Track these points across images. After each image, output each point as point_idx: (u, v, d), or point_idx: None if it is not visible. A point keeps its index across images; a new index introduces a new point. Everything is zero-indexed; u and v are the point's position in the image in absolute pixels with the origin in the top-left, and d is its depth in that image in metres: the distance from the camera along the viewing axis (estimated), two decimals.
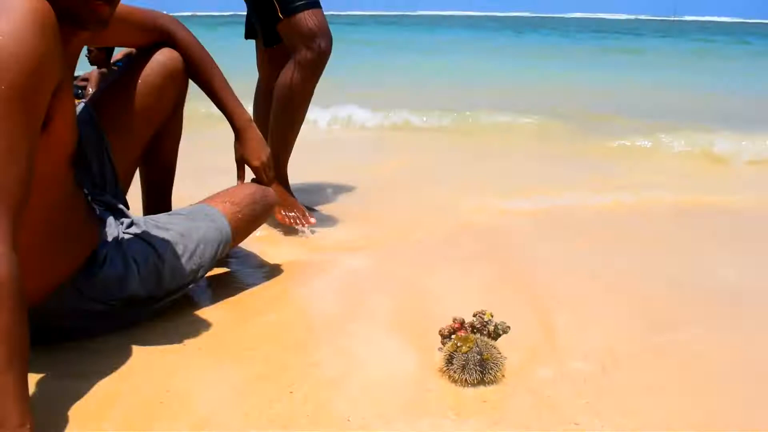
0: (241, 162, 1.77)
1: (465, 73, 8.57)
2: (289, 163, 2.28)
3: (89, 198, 1.41)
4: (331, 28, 2.09)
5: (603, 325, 1.51)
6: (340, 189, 2.76)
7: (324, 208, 2.46)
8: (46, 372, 1.24)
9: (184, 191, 1.86)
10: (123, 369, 1.28)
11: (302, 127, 2.22)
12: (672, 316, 1.58)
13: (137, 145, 1.64)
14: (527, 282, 1.78)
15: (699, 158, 3.54)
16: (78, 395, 1.17)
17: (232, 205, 1.65)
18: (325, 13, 2.08)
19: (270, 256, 1.95)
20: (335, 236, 2.17)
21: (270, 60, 2.32)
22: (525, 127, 4.32)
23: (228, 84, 1.68)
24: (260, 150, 1.73)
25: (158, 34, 1.60)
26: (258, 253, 1.96)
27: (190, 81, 1.68)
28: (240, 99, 1.71)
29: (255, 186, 1.75)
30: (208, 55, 1.66)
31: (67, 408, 1.13)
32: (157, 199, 1.80)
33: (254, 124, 1.74)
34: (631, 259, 2.00)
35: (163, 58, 1.59)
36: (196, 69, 1.64)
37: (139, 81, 1.57)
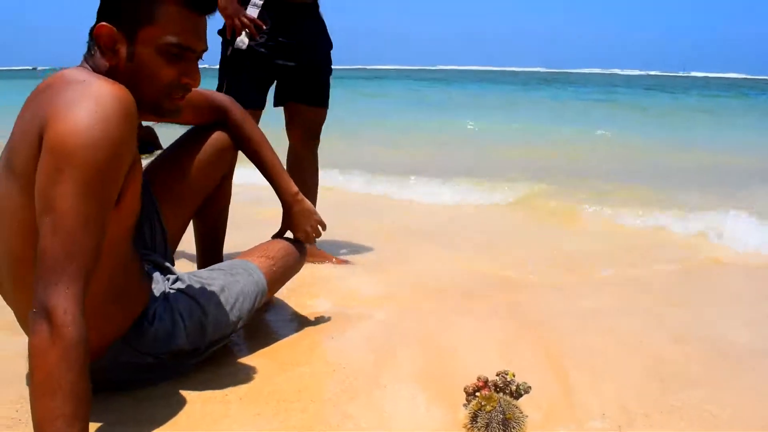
0: (284, 230, 1.88)
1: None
2: None
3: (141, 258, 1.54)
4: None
5: (618, 383, 1.59)
6: (360, 243, 2.88)
7: (350, 259, 2.59)
8: (100, 421, 1.35)
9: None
10: (170, 418, 1.39)
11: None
12: (684, 374, 1.65)
13: (186, 212, 1.78)
14: (544, 338, 1.87)
15: None
16: None
17: (268, 259, 1.77)
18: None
19: (302, 307, 2.06)
20: (362, 288, 2.28)
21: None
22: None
23: (277, 159, 1.80)
24: (305, 222, 1.84)
25: (214, 114, 1.74)
26: (290, 303, 2.07)
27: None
28: None
29: (289, 241, 1.87)
30: (260, 132, 1.79)
31: None
32: (209, 254, 1.93)
33: (301, 197, 1.83)
34: (643, 315, 2.08)
35: (215, 137, 1.73)
36: (247, 145, 1.77)
37: (191, 157, 1.71)
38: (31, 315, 1.05)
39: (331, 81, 2.56)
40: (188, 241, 1.92)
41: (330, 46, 2.55)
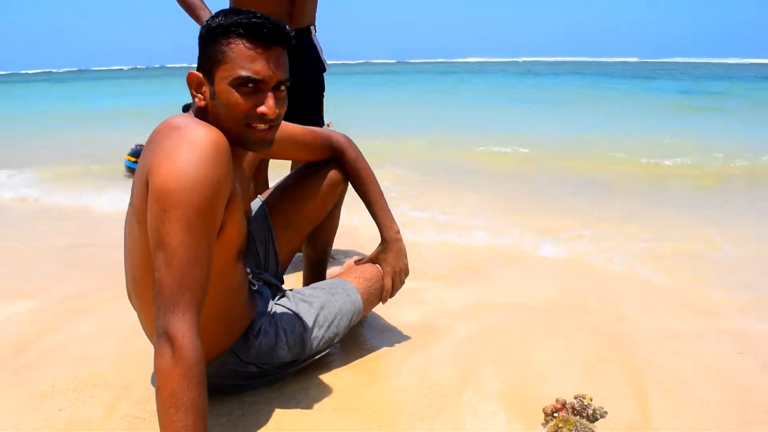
0: (375, 261, 1.95)
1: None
2: None
3: (251, 276, 1.70)
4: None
5: (699, 411, 1.62)
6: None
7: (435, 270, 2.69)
8: (213, 424, 1.53)
9: None
10: (273, 425, 1.55)
11: None
12: (766, 406, 1.66)
13: (298, 237, 1.94)
14: (628, 359, 1.90)
15: None
16: None
17: (365, 280, 1.90)
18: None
19: (390, 317, 2.19)
20: (448, 300, 2.39)
21: None
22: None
23: (383, 197, 1.91)
24: (398, 262, 1.93)
25: (331, 152, 1.88)
26: (381, 315, 2.20)
27: None
28: None
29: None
30: (370, 170, 1.91)
31: None
32: (315, 274, 2.09)
33: (400, 237, 1.93)
34: (729, 343, 2.07)
35: (330, 170, 1.87)
36: (357, 182, 1.89)
37: (307, 189, 1.87)
38: (155, 340, 1.22)
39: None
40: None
41: (323, 69, 2.83)
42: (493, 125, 9.54)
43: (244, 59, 1.35)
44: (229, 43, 1.35)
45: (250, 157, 1.72)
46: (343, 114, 7.78)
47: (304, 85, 2.70)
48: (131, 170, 5.40)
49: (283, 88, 1.41)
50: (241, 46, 1.35)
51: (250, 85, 1.36)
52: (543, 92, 18.49)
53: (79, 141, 8.55)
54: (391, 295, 1.96)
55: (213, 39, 1.37)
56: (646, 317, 2.28)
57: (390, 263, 1.92)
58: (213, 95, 1.38)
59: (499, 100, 16.01)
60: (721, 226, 3.57)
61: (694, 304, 2.42)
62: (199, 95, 1.41)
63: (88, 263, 2.96)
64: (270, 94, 1.38)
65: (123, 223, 1.47)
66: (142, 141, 5.62)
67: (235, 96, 1.36)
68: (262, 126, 1.41)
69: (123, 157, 5.67)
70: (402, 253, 1.94)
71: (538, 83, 24.24)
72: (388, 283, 1.92)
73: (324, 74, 2.89)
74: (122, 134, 7.64)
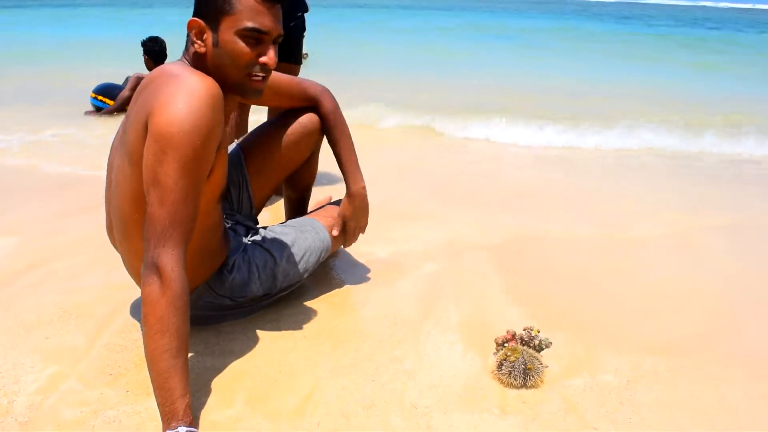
0: (339, 213, 2.02)
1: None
2: None
3: (224, 217, 1.80)
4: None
5: (635, 346, 1.78)
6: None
7: (403, 208, 2.81)
8: (192, 352, 1.65)
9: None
10: (246, 352, 1.68)
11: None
12: (691, 343, 1.82)
13: (272, 182, 2.02)
14: (576, 299, 2.06)
15: None
16: (216, 370, 1.58)
17: (333, 218, 2.01)
18: None
19: (361, 254, 2.31)
20: (413, 239, 2.52)
21: None
22: None
23: (353, 151, 1.97)
24: (361, 216, 2.01)
25: (307, 102, 1.94)
26: (350, 252, 2.32)
27: None
28: None
29: None
30: (344, 123, 1.97)
31: (209, 381, 1.54)
32: (295, 215, 2.17)
33: (365, 192, 1.99)
34: (674, 278, 2.23)
35: (305, 120, 1.95)
36: (330, 133, 1.96)
37: (283, 136, 1.94)
38: (144, 270, 1.32)
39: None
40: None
41: (306, 9, 3.01)
42: None
43: (253, 12, 1.44)
44: None
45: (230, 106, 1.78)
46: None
47: (290, 28, 2.82)
48: (97, 108, 5.29)
49: (279, 41, 1.51)
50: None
51: (256, 36, 1.45)
52: None
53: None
54: (345, 246, 2.07)
55: None
56: (594, 262, 2.43)
57: (351, 217, 2.00)
58: (216, 43, 1.46)
59: None
60: None
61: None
62: (199, 42, 1.47)
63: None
64: (272, 46, 1.48)
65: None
66: (110, 77, 5.56)
67: (241, 45, 1.45)
68: (260, 75, 1.50)
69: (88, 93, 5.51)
70: (364, 209, 2.01)
71: None
72: (347, 234, 2.02)
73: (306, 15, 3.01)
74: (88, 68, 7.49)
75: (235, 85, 1.50)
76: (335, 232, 1.99)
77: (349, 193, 1.98)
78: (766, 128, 4.93)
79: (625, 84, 7.67)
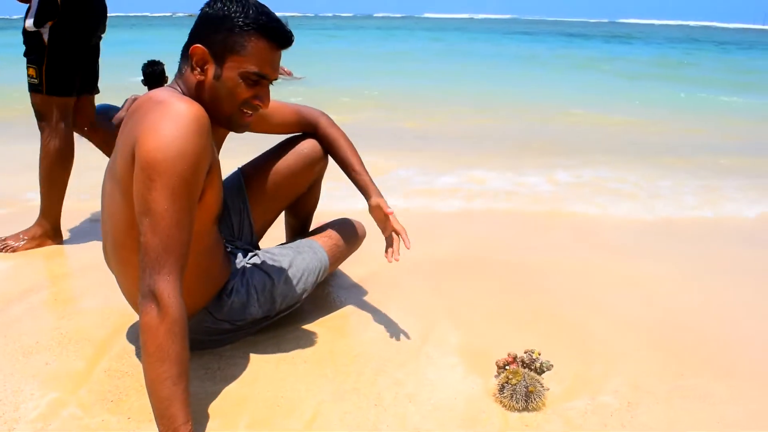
0: (381, 218, 1.91)
1: None
2: None
3: (224, 242, 1.80)
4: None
5: (634, 367, 1.78)
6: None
7: None
8: (194, 377, 1.64)
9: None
10: (248, 377, 1.67)
11: None
12: (692, 363, 1.83)
13: (274, 210, 2.04)
14: (572, 320, 2.07)
15: None
16: (218, 396, 1.58)
17: (330, 239, 2.03)
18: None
19: (357, 276, 2.31)
20: (421, 254, 2.53)
21: None
22: None
23: (362, 163, 1.95)
24: (393, 222, 1.88)
25: (303, 126, 1.96)
26: (348, 273, 2.32)
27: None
28: None
29: (349, 222, 2.11)
30: (346, 138, 1.98)
31: (211, 407, 1.53)
32: (295, 239, 2.13)
33: (384, 200, 1.89)
34: (664, 305, 2.25)
35: (307, 150, 1.96)
36: (335, 152, 1.97)
37: (283, 164, 1.96)
38: (141, 299, 1.32)
39: None
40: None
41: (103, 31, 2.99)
42: None
43: (259, 58, 1.48)
44: (250, 38, 1.46)
45: (220, 135, 1.78)
46: None
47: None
48: None
49: (273, 83, 1.56)
50: (260, 45, 1.47)
51: (256, 79, 1.49)
52: None
53: None
54: (408, 247, 1.88)
55: (231, 28, 1.45)
56: (586, 287, 2.45)
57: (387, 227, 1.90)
58: (218, 77, 1.48)
59: None
60: None
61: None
62: (199, 70, 1.49)
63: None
64: (268, 89, 1.54)
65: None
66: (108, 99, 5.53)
67: (242, 86, 1.49)
68: (250, 112, 1.54)
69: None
70: (387, 217, 1.88)
71: None
72: (402, 235, 1.87)
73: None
74: None
75: (225, 118, 1.53)
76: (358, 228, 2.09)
77: (370, 204, 1.91)
78: None
79: None
